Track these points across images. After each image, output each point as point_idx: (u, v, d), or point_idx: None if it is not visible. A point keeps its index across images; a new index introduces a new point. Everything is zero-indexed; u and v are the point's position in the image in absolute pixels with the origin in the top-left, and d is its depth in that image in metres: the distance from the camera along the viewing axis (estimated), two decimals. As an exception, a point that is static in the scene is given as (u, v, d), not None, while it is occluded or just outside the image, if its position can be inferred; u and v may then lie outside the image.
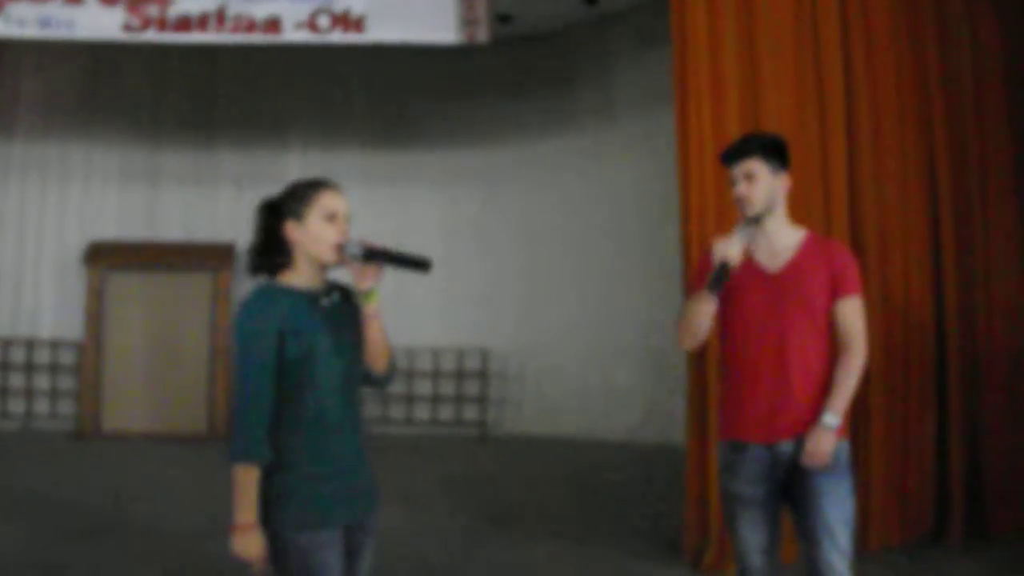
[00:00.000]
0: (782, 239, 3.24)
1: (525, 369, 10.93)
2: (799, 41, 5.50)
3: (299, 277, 2.71)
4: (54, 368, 10.36)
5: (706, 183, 5.26)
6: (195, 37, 7.48)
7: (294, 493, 2.58)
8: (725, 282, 3.11)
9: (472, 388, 10.82)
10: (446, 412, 10.87)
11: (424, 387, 10.87)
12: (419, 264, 2.68)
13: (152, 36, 7.32)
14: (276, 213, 2.73)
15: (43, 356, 10.40)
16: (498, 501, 7.15)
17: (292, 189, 2.74)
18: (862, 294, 3.22)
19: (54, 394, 10.35)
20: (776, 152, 3.24)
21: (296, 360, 2.59)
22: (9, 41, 8.59)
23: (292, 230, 2.68)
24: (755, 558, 3.16)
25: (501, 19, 8.76)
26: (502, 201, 11.02)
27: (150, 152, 10.93)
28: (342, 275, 2.77)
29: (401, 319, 10.92)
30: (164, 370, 9.99)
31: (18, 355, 10.37)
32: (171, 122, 10.95)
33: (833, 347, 3.20)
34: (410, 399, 10.83)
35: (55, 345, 10.39)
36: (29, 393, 10.31)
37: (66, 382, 10.39)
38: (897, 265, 5.61)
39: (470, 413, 10.82)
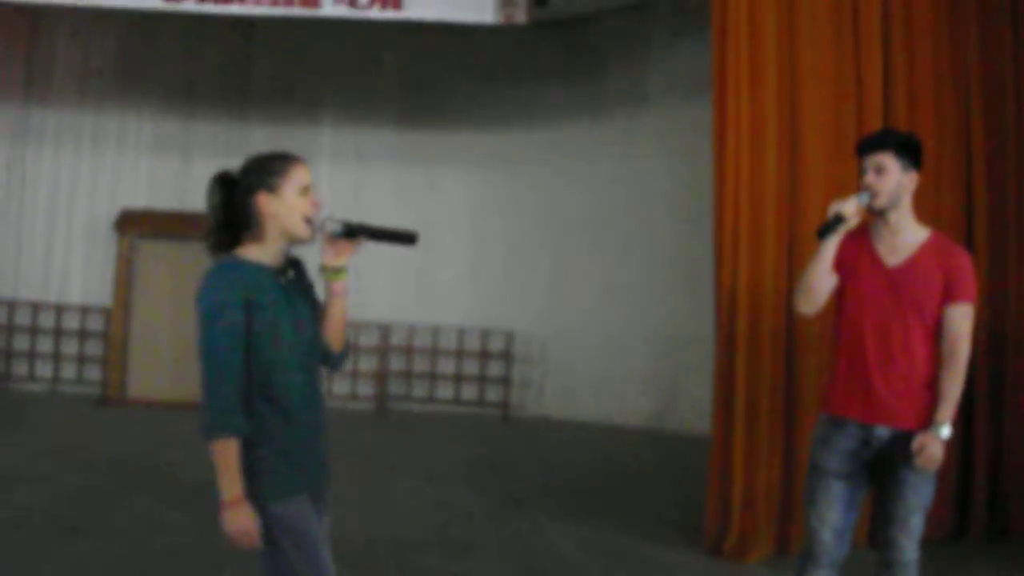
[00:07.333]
0: (905, 236, 3.31)
1: (548, 352, 10.95)
2: (839, 32, 5.47)
3: (264, 252, 2.67)
4: (82, 333, 10.47)
5: (741, 173, 5.25)
6: (234, 8, 7.54)
7: (268, 465, 2.57)
8: (836, 231, 3.22)
9: (496, 369, 10.83)
10: (469, 392, 10.90)
11: (448, 366, 10.91)
12: (404, 238, 2.59)
13: (191, 6, 7.37)
14: (236, 187, 2.67)
15: (72, 321, 10.51)
16: (519, 482, 7.18)
17: (262, 162, 2.67)
18: (975, 302, 3.30)
19: (81, 359, 10.47)
20: (910, 151, 3.29)
21: (262, 335, 2.56)
22: (47, 8, 8.65)
23: (266, 203, 2.63)
24: (826, 534, 3.27)
25: (538, 2, 8.72)
26: (532, 184, 11.00)
27: (183, 123, 10.98)
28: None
29: (427, 297, 11.01)
30: (190, 339, 9.88)
31: (47, 319, 10.48)
32: (204, 94, 10.99)
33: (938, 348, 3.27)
34: (433, 377, 10.87)
35: (84, 311, 10.50)
36: (57, 357, 10.43)
37: (93, 348, 10.49)
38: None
39: (492, 394, 10.84)
